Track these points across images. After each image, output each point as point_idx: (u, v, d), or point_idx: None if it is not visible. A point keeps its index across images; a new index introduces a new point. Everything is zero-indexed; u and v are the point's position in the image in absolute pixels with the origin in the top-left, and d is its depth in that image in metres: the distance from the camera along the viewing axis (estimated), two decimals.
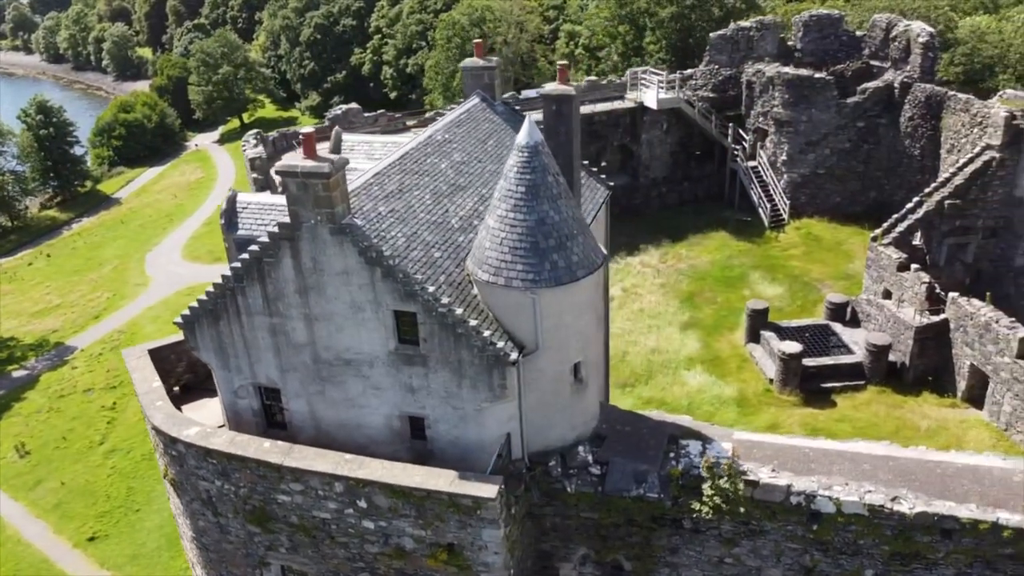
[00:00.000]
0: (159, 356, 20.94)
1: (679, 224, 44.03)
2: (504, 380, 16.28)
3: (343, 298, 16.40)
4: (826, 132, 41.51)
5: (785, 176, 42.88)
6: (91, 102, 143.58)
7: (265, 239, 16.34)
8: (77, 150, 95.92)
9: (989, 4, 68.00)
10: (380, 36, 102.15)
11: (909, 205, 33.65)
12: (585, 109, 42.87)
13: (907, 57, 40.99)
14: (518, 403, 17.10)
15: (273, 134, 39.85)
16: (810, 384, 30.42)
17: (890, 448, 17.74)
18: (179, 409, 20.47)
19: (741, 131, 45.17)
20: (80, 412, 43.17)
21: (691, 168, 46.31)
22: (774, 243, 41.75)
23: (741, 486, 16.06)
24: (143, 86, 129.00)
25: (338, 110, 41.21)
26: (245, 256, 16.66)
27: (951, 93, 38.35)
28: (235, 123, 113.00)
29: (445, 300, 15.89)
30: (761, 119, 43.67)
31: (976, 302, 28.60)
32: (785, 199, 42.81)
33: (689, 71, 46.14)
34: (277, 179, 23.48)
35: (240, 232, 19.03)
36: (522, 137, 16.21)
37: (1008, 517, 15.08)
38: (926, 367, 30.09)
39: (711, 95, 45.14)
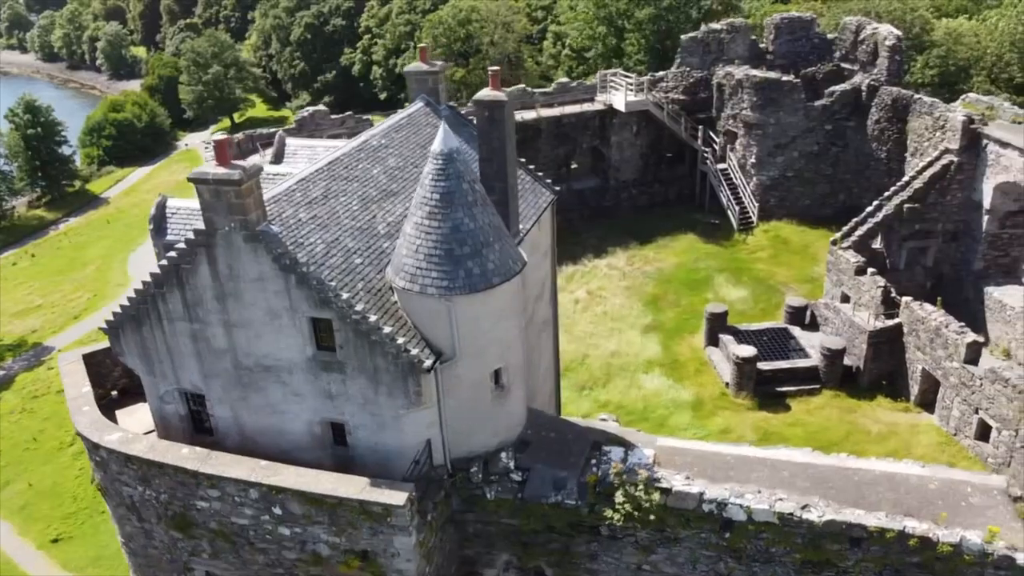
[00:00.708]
0: (95, 361, 20.98)
1: (648, 226, 44.04)
2: (419, 387, 16.31)
3: (260, 305, 16.43)
4: (794, 135, 41.52)
5: (754, 179, 42.89)
6: (85, 101, 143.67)
7: (182, 245, 16.38)
8: (65, 150, 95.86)
9: (971, 6, 68.15)
10: (370, 36, 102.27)
11: (869, 209, 33.67)
12: (554, 111, 43.04)
13: (875, 60, 40.98)
14: (438, 410, 17.13)
15: (239, 136, 39.90)
16: (765, 388, 30.47)
17: (811, 455, 17.77)
18: (114, 414, 20.59)
19: (712, 133, 45.18)
20: (52, 413, 43.20)
21: (662, 170, 46.33)
22: (742, 246, 41.77)
23: (654, 494, 16.08)
24: (137, 85, 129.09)
25: (304, 112, 41.27)
26: (164, 262, 16.70)
27: (917, 96, 38.37)
28: (226, 123, 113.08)
29: (360, 307, 15.92)
30: (731, 121, 43.68)
31: (928, 306, 28.64)
32: (754, 202, 42.81)
33: (660, 73, 46.13)
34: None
35: (168, 237, 19.08)
36: (436, 145, 16.24)
37: (915, 526, 15.11)
38: (880, 371, 30.13)
39: (682, 97, 45.14)
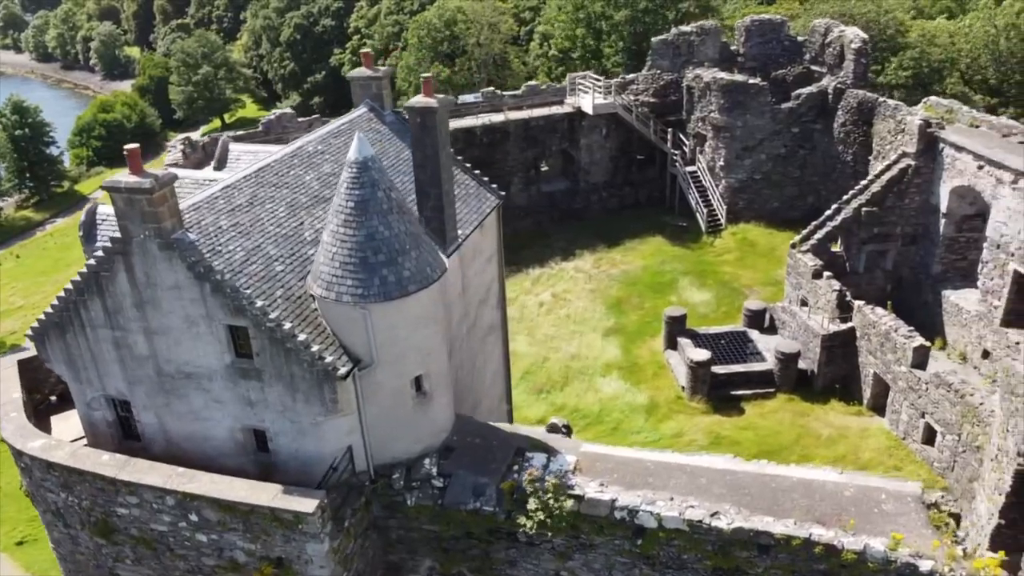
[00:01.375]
0: (33, 366, 21.03)
1: (617, 229, 44.11)
2: (335, 395, 16.38)
3: (178, 312, 16.51)
4: (762, 137, 41.57)
5: (723, 181, 42.95)
6: (78, 101, 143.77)
7: (100, 253, 16.47)
8: (54, 150, 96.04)
9: (955, 7, 68.17)
10: (359, 37, 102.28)
11: (828, 212, 33.73)
12: (522, 114, 43.13)
13: (841, 62, 41.01)
14: (358, 416, 17.20)
15: (204, 139, 39.97)
16: (720, 392, 30.54)
17: (730, 462, 17.81)
18: (50, 419, 20.68)
19: (682, 136, 45.23)
20: None
21: (632, 173, 46.40)
22: (709, 248, 41.84)
23: (566, 501, 16.14)
24: (130, 86, 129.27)
25: (272, 115, 41.36)
26: (84, 269, 16.79)
27: (881, 99, 38.44)
28: (216, 123, 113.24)
29: (274, 315, 15.99)
30: (700, 124, 43.74)
31: (880, 311, 28.71)
32: (723, 204, 42.86)
33: (631, 76, 46.17)
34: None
35: (98, 244, 19.11)
36: (351, 153, 16.31)
37: (821, 533, 15.16)
38: (834, 375, 30.20)
39: (652, 100, 45.19)
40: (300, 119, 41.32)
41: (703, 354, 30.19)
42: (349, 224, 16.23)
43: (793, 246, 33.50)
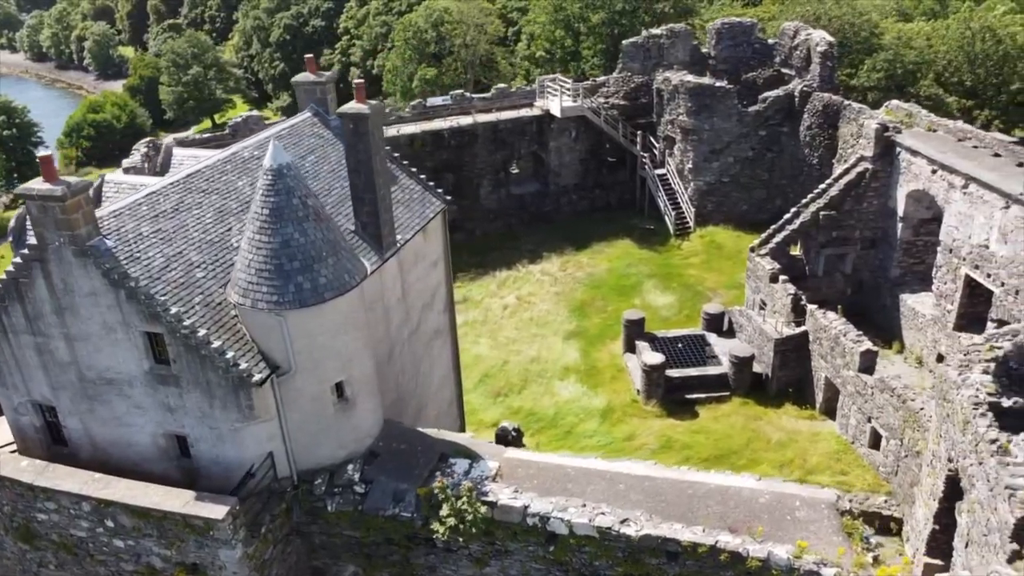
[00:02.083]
0: None
1: (586, 231, 44.16)
2: (251, 401, 16.45)
3: (96, 319, 16.58)
4: (729, 140, 41.60)
5: (692, 184, 42.99)
6: (72, 101, 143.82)
7: (18, 259, 16.55)
8: (42, 151, 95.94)
9: (939, 9, 68.17)
10: (348, 37, 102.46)
11: (787, 216, 33.74)
12: (490, 117, 43.19)
13: (808, 66, 41.03)
14: (278, 422, 17.27)
15: (169, 139, 39.96)
16: (675, 395, 30.56)
17: (651, 468, 17.88)
18: None
19: (652, 138, 45.27)
20: None
21: (603, 175, 46.43)
22: (676, 251, 41.88)
23: (478, 508, 16.21)
24: (121, 86, 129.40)
25: (239, 118, 41.42)
26: (3, 276, 16.87)
27: (846, 102, 38.45)
28: (207, 123, 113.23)
29: (190, 321, 16.06)
30: (669, 127, 43.78)
31: (831, 315, 28.73)
32: (691, 207, 42.90)
33: (602, 78, 46.22)
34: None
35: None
36: (266, 160, 16.37)
37: (727, 540, 15.21)
38: (788, 379, 30.22)
39: (623, 102, 45.22)
40: (267, 122, 41.36)
41: (657, 358, 30.23)
42: (264, 231, 16.30)
43: (752, 250, 33.53)
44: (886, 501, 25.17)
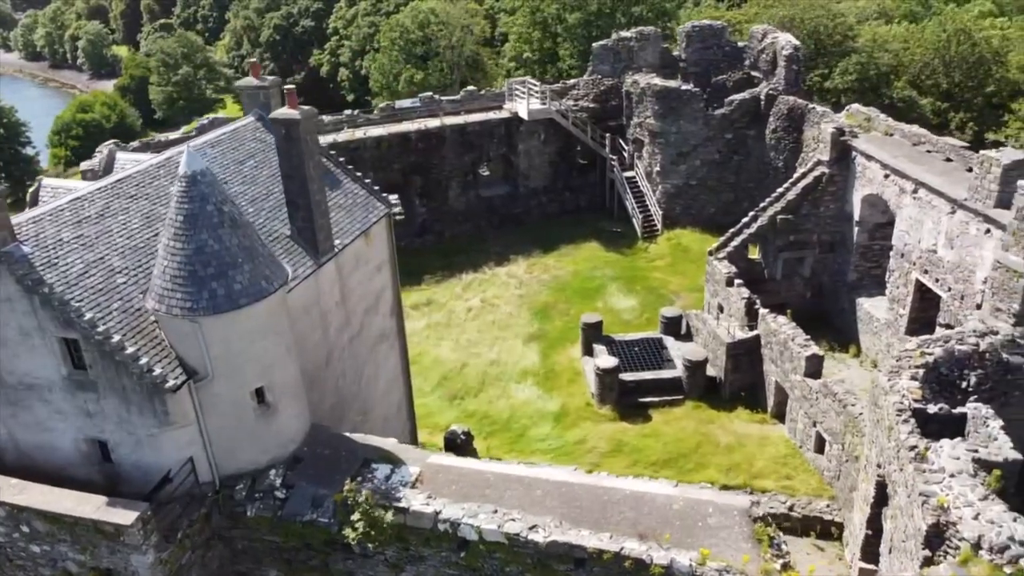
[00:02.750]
0: None
1: (555, 234, 44.22)
2: (166, 407, 16.52)
3: (12, 324, 16.64)
4: (695, 143, 41.65)
5: (660, 187, 43.05)
6: (65, 100, 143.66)
7: None
8: (30, 150, 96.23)
9: (921, 12, 68.24)
10: (337, 38, 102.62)
11: (745, 219, 33.79)
12: (458, 119, 43.24)
13: (775, 69, 41.07)
14: (198, 428, 17.34)
15: (134, 144, 40.15)
16: (629, 399, 30.61)
17: (570, 474, 17.95)
18: None
19: (622, 141, 45.32)
20: None
21: (573, 178, 46.49)
22: (643, 254, 41.94)
23: (388, 514, 16.28)
24: (112, 85, 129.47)
25: (205, 120, 41.48)
26: None
27: (811, 106, 38.51)
28: (196, 123, 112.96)
29: (103, 327, 16.12)
30: (638, 129, 43.86)
31: (781, 319, 28.79)
32: (659, 210, 42.95)
33: (572, 81, 46.28)
34: None
35: None
36: (180, 167, 16.44)
37: (632, 547, 15.27)
38: (741, 383, 30.29)
39: (593, 105, 45.28)
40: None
41: (610, 361, 30.29)
42: (178, 238, 16.37)
43: (710, 253, 33.59)
44: (828, 506, 25.28)
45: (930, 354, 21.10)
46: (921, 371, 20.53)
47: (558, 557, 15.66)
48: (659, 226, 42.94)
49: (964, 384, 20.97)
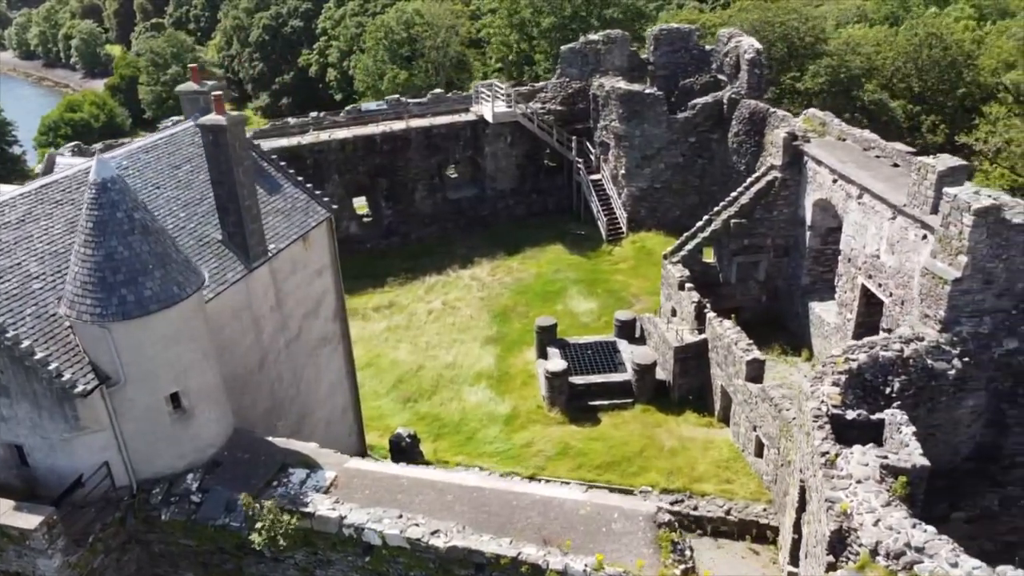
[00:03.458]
0: None
1: (521, 236, 44.34)
2: (76, 411, 16.66)
3: None
4: (659, 147, 41.76)
5: (625, 190, 43.17)
6: (58, 99, 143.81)
7: None
8: (16, 149, 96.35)
9: (902, 14, 68.35)
10: (326, 38, 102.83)
11: (699, 223, 33.91)
12: (423, 122, 43.38)
13: (738, 73, 41.18)
14: (113, 433, 17.50)
15: (98, 145, 40.25)
16: (579, 402, 30.74)
17: (482, 479, 18.09)
18: None
19: (589, 144, 45.44)
20: None
21: (541, 180, 46.61)
22: (607, 257, 42.05)
23: (294, 518, 16.43)
24: (103, 84, 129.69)
25: (169, 122, 41.54)
26: None
27: (772, 110, 38.60)
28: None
29: (12, 332, 16.26)
30: (604, 132, 43.96)
31: (726, 323, 28.90)
32: (624, 212, 43.06)
33: (540, 83, 46.40)
34: None
35: None
36: (90, 175, 16.58)
37: (529, 552, 15.41)
38: (689, 386, 30.41)
39: (560, 108, 45.40)
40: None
41: (559, 364, 30.43)
42: (88, 244, 16.52)
43: (665, 257, 33.71)
44: (765, 510, 25.40)
45: (854, 360, 21.24)
46: (843, 377, 20.65)
47: (459, 562, 15.81)
48: (624, 229, 43.03)
49: (888, 390, 21.10)
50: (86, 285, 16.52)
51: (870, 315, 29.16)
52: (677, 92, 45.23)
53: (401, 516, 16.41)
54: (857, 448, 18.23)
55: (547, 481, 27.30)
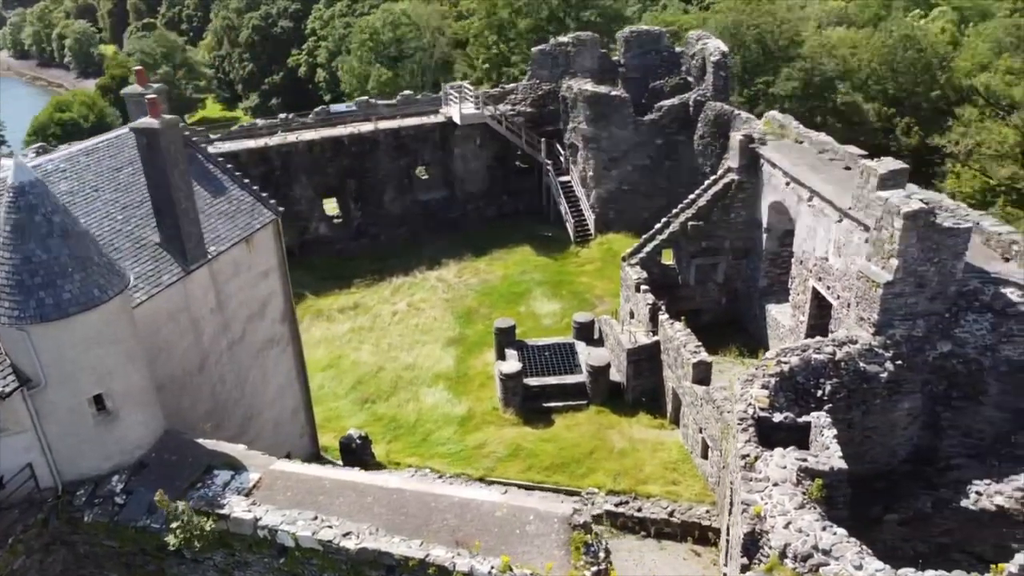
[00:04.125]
0: None
1: (490, 238, 44.45)
2: None
3: None
4: (626, 149, 41.85)
5: (594, 191, 43.26)
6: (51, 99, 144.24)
7: None
8: (4, 150, 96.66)
9: (885, 15, 68.42)
10: (315, 38, 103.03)
11: (658, 225, 34.01)
12: (392, 123, 43.49)
13: (704, 75, 41.28)
14: (35, 434, 17.61)
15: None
16: (534, 404, 30.85)
17: (404, 481, 18.18)
18: None
19: (559, 146, 45.54)
20: None
21: (511, 182, 46.71)
22: (573, 259, 42.16)
23: (208, 520, 16.55)
24: (94, 84, 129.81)
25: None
26: None
27: (737, 112, 38.69)
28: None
29: None
30: (572, 134, 44.07)
31: (677, 325, 28.99)
32: (592, 214, 43.17)
33: (511, 85, 46.52)
34: None
35: None
36: (9, 178, 16.71)
37: (438, 555, 15.51)
38: (643, 388, 30.50)
39: (530, 110, 45.51)
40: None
41: (514, 366, 30.55)
42: (6, 247, 16.62)
43: (624, 259, 33.81)
44: (708, 511, 25.49)
45: (786, 363, 21.33)
46: (773, 380, 20.74)
47: (370, 563, 15.90)
48: (592, 231, 43.13)
49: (820, 393, 21.20)
50: (4, 288, 16.63)
51: (821, 317, 29.22)
52: (648, 94, 45.31)
53: (316, 518, 16.50)
54: (778, 451, 18.33)
55: (493, 482, 27.56)
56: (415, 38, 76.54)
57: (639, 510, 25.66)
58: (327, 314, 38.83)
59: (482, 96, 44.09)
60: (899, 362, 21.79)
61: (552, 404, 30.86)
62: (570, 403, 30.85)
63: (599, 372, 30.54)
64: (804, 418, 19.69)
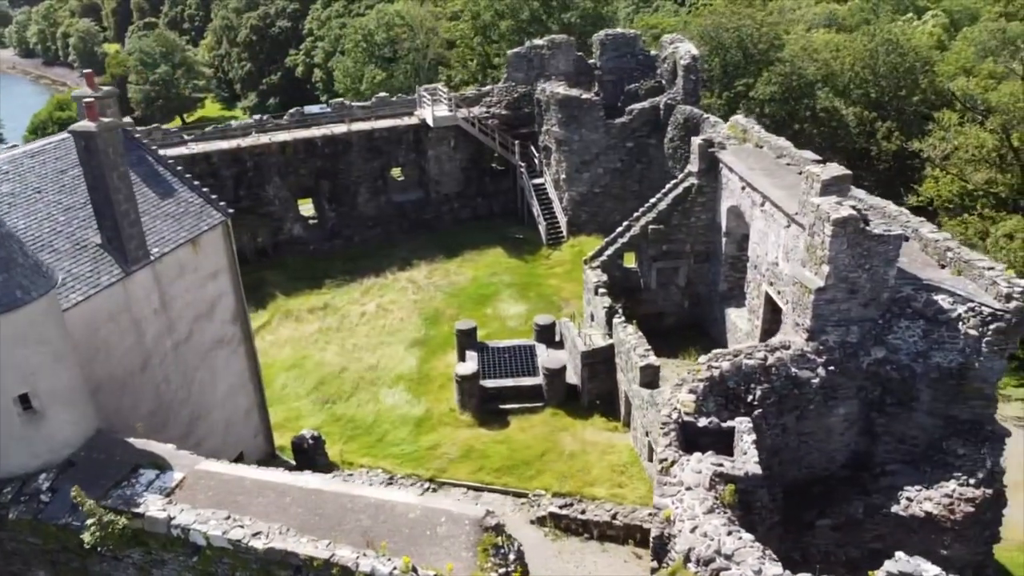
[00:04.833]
0: None
1: (463, 240, 44.64)
2: None
3: None
4: (597, 152, 41.98)
5: (566, 194, 43.40)
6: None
7: None
8: (2, 148, 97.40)
9: (873, 19, 68.34)
10: (312, 39, 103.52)
11: (619, 228, 34.13)
12: (366, 125, 43.74)
13: (675, 78, 41.37)
14: None
15: None
16: (491, 405, 31.02)
17: (325, 482, 18.38)
18: None
19: (534, 148, 45.70)
20: None
21: (486, 184, 46.90)
22: (544, 261, 42.31)
23: (121, 518, 16.80)
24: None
25: None
26: None
27: (705, 115, 38.77)
28: (176, 122, 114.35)
29: None
30: (546, 137, 44.22)
31: (630, 328, 29.10)
32: (564, 216, 43.30)
33: (487, 87, 46.70)
34: None
35: None
36: None
37: (342, 555, 15.70)
38: (598, 391, 30.63)
39: (505, 112, 45.67)
40: (140, 128, 42.01)
41: (470, 368, 30.73)
42: None
43: (585, 262, 33.95)
44: (650, 514, 25.55)
45: (717, 367, 21.44)
46: (702, 384, 20.86)
47: (278, 563, 16.11)
48: (564, 233, 43.27)
49: (750, 398, 21.30)
50: None
51: (776, 322, 29.19)
52: (624, 97, 45.41)
53: (228, 517, 16.71)
54: (695, 456, 18.46)
55: (443, 483, 27.82)
56: (409, 39, 76.82)
57: (583, 512, 25.80)
58: (296, 314, 39.10)
59: (455, 99, 44.29)
60: (832, 368, 21.88)
61: (508, 406, 31.02)
62: (526, 405, 30.99)
63: (555, 375, 30.69)
64: (728, 423, 19.79)
